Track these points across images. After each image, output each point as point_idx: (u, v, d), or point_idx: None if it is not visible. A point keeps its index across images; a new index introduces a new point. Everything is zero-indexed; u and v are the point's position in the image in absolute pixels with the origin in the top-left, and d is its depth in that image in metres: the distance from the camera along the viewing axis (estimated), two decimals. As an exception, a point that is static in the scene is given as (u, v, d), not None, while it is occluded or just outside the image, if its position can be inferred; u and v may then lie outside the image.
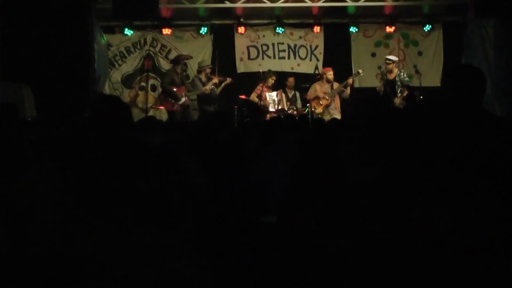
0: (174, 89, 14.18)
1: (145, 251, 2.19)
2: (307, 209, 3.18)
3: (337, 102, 14.78)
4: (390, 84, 14.30)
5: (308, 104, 15.01)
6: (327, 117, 13.67)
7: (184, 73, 15.56)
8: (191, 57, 15.27)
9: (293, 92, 15.44)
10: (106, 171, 2.36)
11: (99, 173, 2.35)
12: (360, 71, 14.90)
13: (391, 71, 14.42)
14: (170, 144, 5.67)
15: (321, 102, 14.70)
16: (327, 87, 14.83)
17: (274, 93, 15.08)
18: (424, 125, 2.60)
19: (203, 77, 14.62)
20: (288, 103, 15.11)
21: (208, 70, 14.73)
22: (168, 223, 2.40)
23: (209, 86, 14.40)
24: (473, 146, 2.89)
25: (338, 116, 14.27)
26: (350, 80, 14.84)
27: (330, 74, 14.92)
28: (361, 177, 2.32)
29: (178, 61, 14.65)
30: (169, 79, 14.32)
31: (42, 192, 3.42)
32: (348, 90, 14.81)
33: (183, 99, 14.20)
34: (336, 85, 14.87)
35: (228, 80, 14.78)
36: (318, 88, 14.81)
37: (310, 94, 14.86)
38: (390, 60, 14.60)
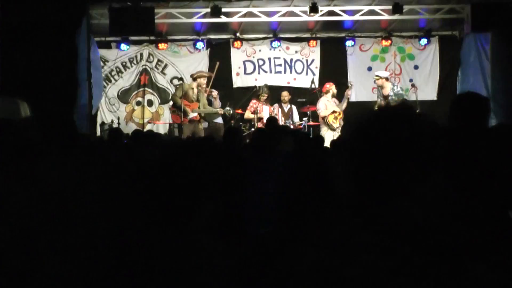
0: (184, 104, 14.20)
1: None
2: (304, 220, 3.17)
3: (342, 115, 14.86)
4: (385, 99, 14.35)
5: (304, 119, 15.00)
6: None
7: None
8: (210, 75, 15.18)
9: (289, 106, 15.42)
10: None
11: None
12: (351, 83, 15.10)
13: (382, 87, 14.49)
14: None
15: (338, 116, 14.73)
16: (333, 101, 14.88)
17: (269, 108, 15.10)
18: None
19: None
20: (284, 118, 15.08)
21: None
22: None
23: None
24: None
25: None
26: (348, 92, 14.92)
27: (334, 88, 15.03)
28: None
29: (196, 78, 14.66)
30: (181, 92, 14.29)
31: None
32: (345, 103, 14.86)
33: (192, 115, 14.22)
34: (336, 100, 14.95)
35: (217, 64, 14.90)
36: (328, 104, 14.79)
37: (323, 110, 14.80)
38: (378, 76, 14.73)
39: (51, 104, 13.08)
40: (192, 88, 14.48)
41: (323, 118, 14.80)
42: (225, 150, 6.90)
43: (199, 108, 14.42)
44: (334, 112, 14.75)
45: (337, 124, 14.63)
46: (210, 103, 14.73)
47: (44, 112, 11.90)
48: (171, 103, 15.41)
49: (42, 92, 13.16)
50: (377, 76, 14.76)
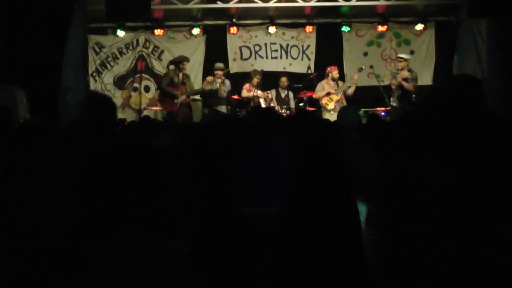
0: (171, 89, 14.39)
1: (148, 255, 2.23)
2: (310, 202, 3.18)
3: (343, 100, 14.77)
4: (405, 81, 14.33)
5: (301, 104, 15.00)
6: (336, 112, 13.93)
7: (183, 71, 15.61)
8: (188, 60, 15.26)
9: (286, 92, 15.42)
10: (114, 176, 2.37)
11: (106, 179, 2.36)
12: (363, 66, 15.01)
13: (403, 69, 14.46)
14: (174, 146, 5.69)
15: (332, 98, 14.70)
16: (333, 85, 14.85)
17: (264, 93, 15.12)
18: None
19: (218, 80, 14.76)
20: (281, 103, 15.09)
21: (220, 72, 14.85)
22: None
23: (208, 85, 14.60)
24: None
25: None
26: (355, 76, 14.87)
27: (336, 72, 14.97)
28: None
29: (178, 62, 14.75)
30: (167, 79, 14.51)
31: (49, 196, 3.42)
32: (353, 88, 14.79)
33: (181, 97, 14.38)
34: (340, 83, 14.94)
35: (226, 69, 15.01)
36: (326, 86, 14.80)
37: (319, 92, 14.81)
38: (402, 58, 14.70)
39: (40, 90, 13.13)
40: (177, 73, 14.62)
41: (317, 99, 14.83)
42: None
43: (186, 90, 14.54)
44: (328, 94, 14.74)
45: (331, 106, 14.61)
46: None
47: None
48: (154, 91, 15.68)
49: (34, 78, 13.20)
50: (401, 58, 14.74)
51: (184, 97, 14.53)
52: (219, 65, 15.08)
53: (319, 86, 14.90)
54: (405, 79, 14.25)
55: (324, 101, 14.73)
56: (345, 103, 14.56)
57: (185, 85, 14.71)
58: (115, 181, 2.34)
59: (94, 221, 2.31)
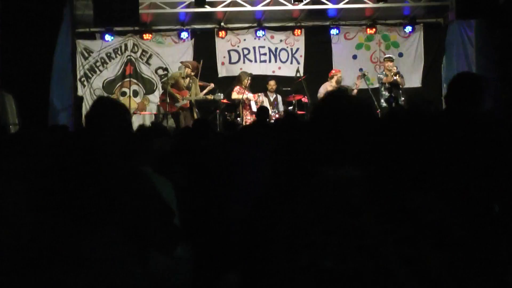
0: (175, 91, 14.46)
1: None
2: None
3: None
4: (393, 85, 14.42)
5: (290, 108, 15.00)
6: None
7: (165, 78, 15.78)
8: (195, 64, 15.23)
9: (274, 96, 15.45)
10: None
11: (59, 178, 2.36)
12: (366, 73, 15.12)
13: (391, 70, 14.54)
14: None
15: None
16: (335, 87, 14.86)
17: (253, 95, 15.12)
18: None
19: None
20: (270, 107, 15.07)
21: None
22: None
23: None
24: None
25: None
26: (358, 82, 14.94)
27: (340, 75, 15.04)
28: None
29: (184, 66, 14.83)
30: (172, 80, 14.48)
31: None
32: (355, 92, 14.81)
33: (182, 102, 14.36)
34: (350, 87, 14.99)
35: (211, 85, 14.88)
36: (330, 89, 14.80)
37: (321, 94, 14.82)
38: (390, 57, 14.85)
39: (28, 96, 13.09)
40: (183, 77, 14.58)
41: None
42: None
43: (189, 96, 14.51)
44: None
45: None
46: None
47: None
48: (159, 91, 15.64)
49: (23, 83, 13.16)
50: (389, 57, 14.88)
51: (185, 101, 14.50)
52: (187, 62, 15.24)
53: (322, 89, 14.97)
54: (397, 73, 14.34)
55: None
56: None
57: (190, 90, 14.66)
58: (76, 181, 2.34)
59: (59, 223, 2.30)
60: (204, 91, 14.89)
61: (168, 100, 14.47)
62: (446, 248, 2.11)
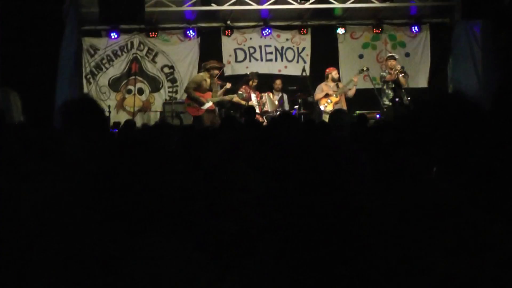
0: (198, 95, 14.32)
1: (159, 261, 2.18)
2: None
3: (343, 101, 14.71)
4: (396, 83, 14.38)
5: (295, 107, 14.96)
6: None
7: (171, 76, 15.77)
8: (222, 66, 15.20)
9: (280, 95, 15.43)
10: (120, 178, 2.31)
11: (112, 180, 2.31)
12: (364, 68, 14.98)
13: (395, 69, 14.51)
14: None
15: (330, 100, 14.62)
16: (333, 86, 14.78)
17: (256, 95, 15.06)
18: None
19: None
20: (275, 106, 15.06)
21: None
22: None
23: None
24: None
25: None
26: (355, 78, 14.84)
27: (335, 73, 14.95)
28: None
29: (209, 68, 14.64)
30: (194, 84, 14.38)
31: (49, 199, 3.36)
32: (353, 89, 14.77)
33: (207, 104, 14.29)
34: (340, 84, 14.91)
35: (228, 85, 14.78)
36: (325, 88, 14.76)
37: (318, 94, 14.72)
38: (393, 56, 14.83)
39: (33, 94, 13.13)
40: (205, 79, 14.50)
41: (316, 101, 14.77)
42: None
43: (212, 97, 14.47)
44: (327, 95, 14.68)
45: (330, 107, 14.47)
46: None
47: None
48: (165, 89, 15.62)
49: (28, 80, 13.20)
50: (393, 56, 14.85)
51: (210, 103, 14.42)
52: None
53: (318, 89, 14.84)
54: (401, 72, 14.29)
55: (322, 102, 14.66)
56: (345, 105, 14.54)
57: (212, 91, 14.60)
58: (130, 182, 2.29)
59: (114, 225, 2.26)
60: (221, 91, 14.79)
61: (193, 104, 14.40)
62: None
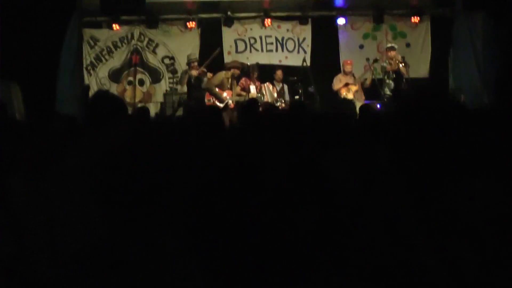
0: (220, 92, 14.42)
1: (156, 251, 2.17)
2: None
3: (361, 90, 15.03)
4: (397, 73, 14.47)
5: (296, 97, 14.97)
6: (356, 103, 14.34)
7: (172, 67, 15.76)
8: (240, 65, 15.17)
9: (281, 85, 15.42)
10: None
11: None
12: (378, 58, 15.10)
13: (395, 59, 14.56)
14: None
15: (351, 88, 14.79)
16: (349, 77, 14.94)
17: (256, 86, 15.06)
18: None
19: (191, 71, 14.59)
20: (276, 96, 15.07)
21: (195, 64, 14.71)
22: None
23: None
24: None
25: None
26: (368, 74, 15.09)
27: (348, 66, 15.12)
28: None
29: (230, 67, 14.81)
30: (216, 80, 14.38)
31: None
32: (370, 79, 14.96)
33: (228, 101, 14.36)
34: (356, 75, 15.14)
35: (217, 51, 14.82)
36: (342, 78, 14.96)
37: (337, 84, 15.06)
38: (393, 46, 14.93)
39: (34, 86, 13.14)
40: (228, 78, 14.52)
41: (336, 92, 14.95)
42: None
43: (232, 96, 14.49)
44: (347, 84, 14.86)
45: (351, 96, 14.74)
46: None
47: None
48: (166, 81, 15.75)
49: (29, 73, 13.19)
50: (392, 46, 14.93)
51: (231, 101, 14.45)
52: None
53: (335, 79, 15.15)
54: (402, 62, 14.34)
55: (343, 91, 14.84)
56: (363, 95, 14.73)
57: (232, 91, 14.65)
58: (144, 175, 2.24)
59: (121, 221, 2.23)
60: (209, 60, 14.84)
61: (213, 100, 14.41)
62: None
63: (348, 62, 15.31)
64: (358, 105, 13.86)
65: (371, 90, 14.89)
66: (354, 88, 14.84)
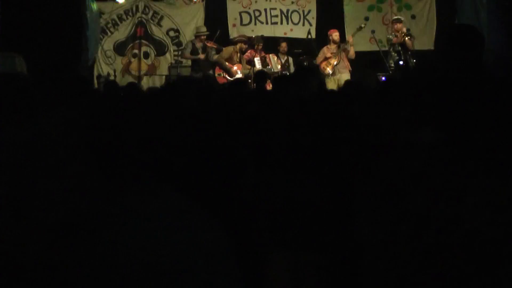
0: (230, 66, 14.42)
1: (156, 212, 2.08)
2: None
3: (346, 62, 14.68)
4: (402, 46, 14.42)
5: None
6: (336, 76, 14.28)
7: (177, 40, 15.76)
8: (247, 39, 15.12)
9: (286, 57, 15.40)
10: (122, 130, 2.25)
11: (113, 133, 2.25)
12: (363, 25, 14.96)
13: (401, 31, 14.51)
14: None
15: (330, 62, 14.63)
16: (334, 47, 14.75)
17: (260, 57, 15.03)
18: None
19: (197, 43, 14.59)
20: (281, 68, 15.06)
21: (204, 37, 14.70)
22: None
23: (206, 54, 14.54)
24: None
25: (347, 75, 14.28)
26: (350, 39, 14.84)
27: (335, 35, 14.88)
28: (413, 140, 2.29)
29: (236, 42, 14.84)
30: (227, 54, 14.42)
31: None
32: (352, 50, 14.72)
33: (237, 76, 14.35)
34: (342, 46, 14.89)
35: (217, 34, 14.85)
36: (326, 51, 14.75)
37: (319, 57, 14.76)
38: (399, 19, 14.87)
39: (56, 59, 13.15)
40: (236, 52, 14.54)
41: (317, 66, 14.79)
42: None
43: (242, 69, 14.54)
44: (326, 58, 14.69)
45: (329, 70, 14.52)
46: None
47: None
48: (171, 53, 15.72)
49: (45, 47, 13.20)
50: (398, 19, 14.87)
51: (240, 75, 14.45)
52: (204, 29, 15.03)
53: (320, 53, 14.85)
54: (407, 35, 14.28)
55: (322, 66, 14.66)
56: (348, 65, 14.59)
57: (242, 64, 14.70)
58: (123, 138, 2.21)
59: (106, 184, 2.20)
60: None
61: (223, 74, 14.44)
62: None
63: (334, 30, 15.09)
64: (344, 77, 13.82)
65: (376, 62, 14.83)
66: (332, 61, 14.63)
